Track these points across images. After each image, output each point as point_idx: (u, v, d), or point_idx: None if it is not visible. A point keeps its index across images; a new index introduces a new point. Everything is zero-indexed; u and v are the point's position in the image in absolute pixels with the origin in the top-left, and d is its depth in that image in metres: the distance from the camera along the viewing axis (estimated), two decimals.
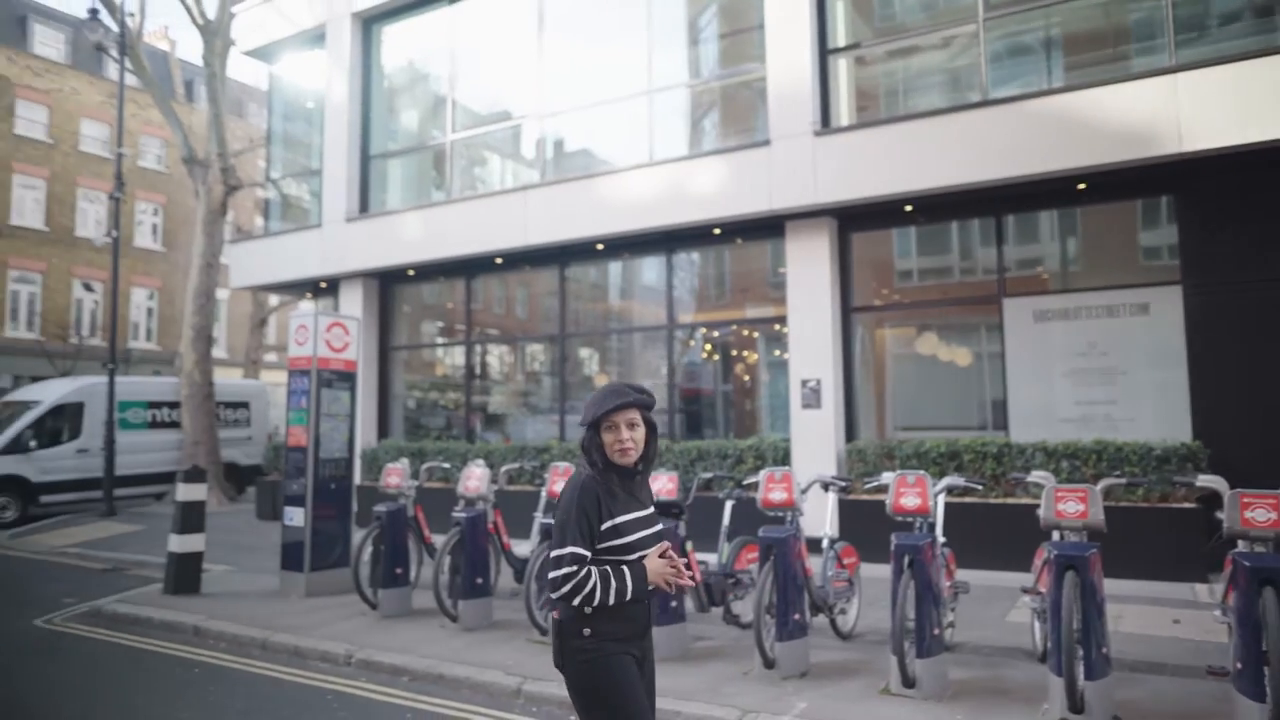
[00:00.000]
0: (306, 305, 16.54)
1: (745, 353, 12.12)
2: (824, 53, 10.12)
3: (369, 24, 14.19)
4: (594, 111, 12.09)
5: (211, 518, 9.02)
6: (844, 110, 10.28)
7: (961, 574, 6.53)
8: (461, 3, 13.29)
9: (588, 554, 2.66)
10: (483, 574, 6.93)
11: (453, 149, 13.36)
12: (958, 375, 10.17)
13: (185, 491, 8.49)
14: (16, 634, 7.32)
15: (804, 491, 6.06)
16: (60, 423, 15.92)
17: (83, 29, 17.67)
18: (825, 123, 9.94)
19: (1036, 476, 5.43)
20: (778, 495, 5.91)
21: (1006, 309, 9.43)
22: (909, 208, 9.77)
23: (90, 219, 28.80)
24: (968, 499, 8.26)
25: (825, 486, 6.43)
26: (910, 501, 5.37)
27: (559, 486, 6.92)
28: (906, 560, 5.06)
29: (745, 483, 6.98)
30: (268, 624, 7.10)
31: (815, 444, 9.87)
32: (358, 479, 12.47)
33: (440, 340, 14.54)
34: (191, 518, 8.42)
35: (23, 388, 19.55)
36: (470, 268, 13.06)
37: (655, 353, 12.26)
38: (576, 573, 2.62)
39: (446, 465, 9.29)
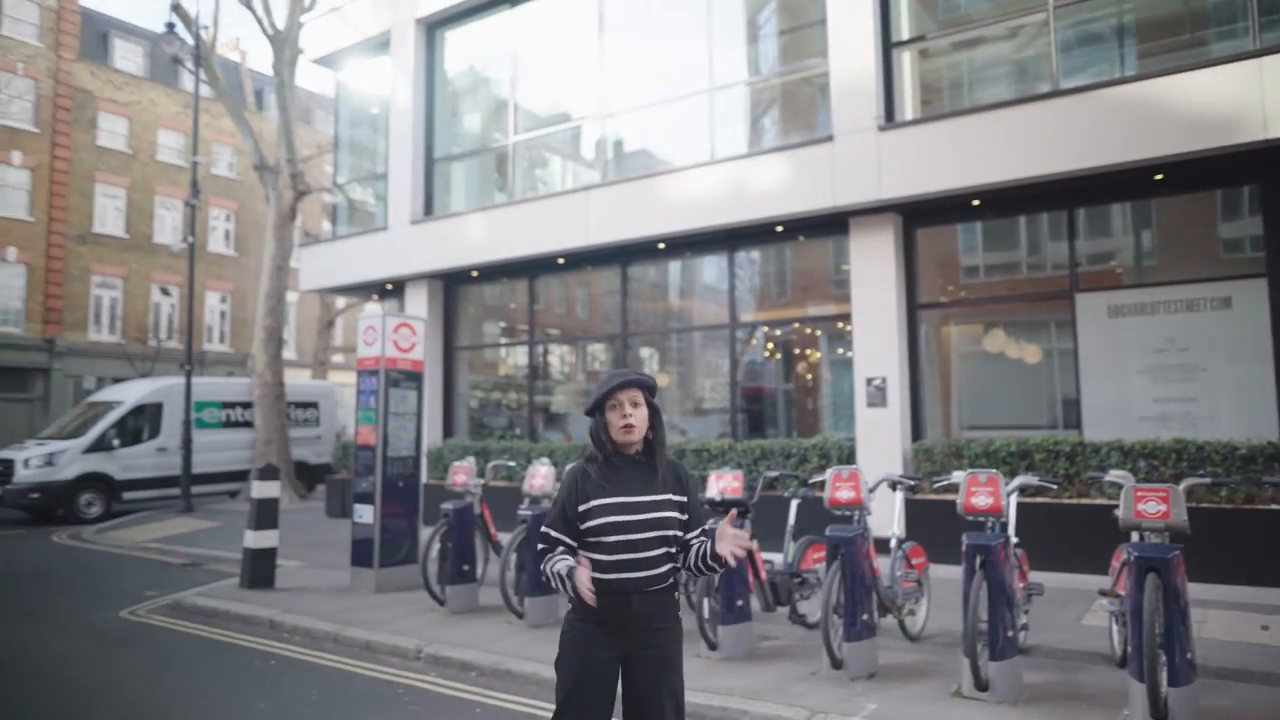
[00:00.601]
0: (372, 307, 16.89)
1: (807, 351, 12.01)
2: (887, 46, 9.97)
3: (432, 29, 14.44)
4: (654, 111, 12.11)
5: (283, 515, 9.28)
6: (908, 104, 10.11)
7: (1034, 576, 6.37)
8: (522, 6, 13.43)
9: (556, 535, 2.85)
10: None
11: (514, 151, 13.52)
12: (1026, 372, 9.93)
13: (260, 489, 8.74)
14: (104, 625, 7.63)
15: (871, 490, 5.98)
16: (141, 422, 16.54)
17: (160, 42, 18.33)
18: (889, 117, 9.79)
19: (1115, 476, 5.27)
20: (845, 494, 5.85)
21: (1079, 304, 9.17)
22: (976, 202, 9.57)
23: (167, 226, 29.87)
24: (1039, 499, 8.05)
25: (893, 486, 6.34)
26: (982, 501, 5.26)
27: None
28: (978, 560, 4.96)
29: (811, 481, 6.91)
30: (340, 618, 7.27)
31: (881, 443, 9.73)
32: (424, 478, 12.69)
33: (503, 340, 14.72)
34: (266, 514, 8.67)
35: (105, 388, 20.36)
36: (533, 268, 13.20)
37: (716, 351, 12.22)
38: (543, 551, 2.86)
39: (512, 464, 9.40)
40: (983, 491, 5.26)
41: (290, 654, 6.63)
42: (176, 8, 16.82)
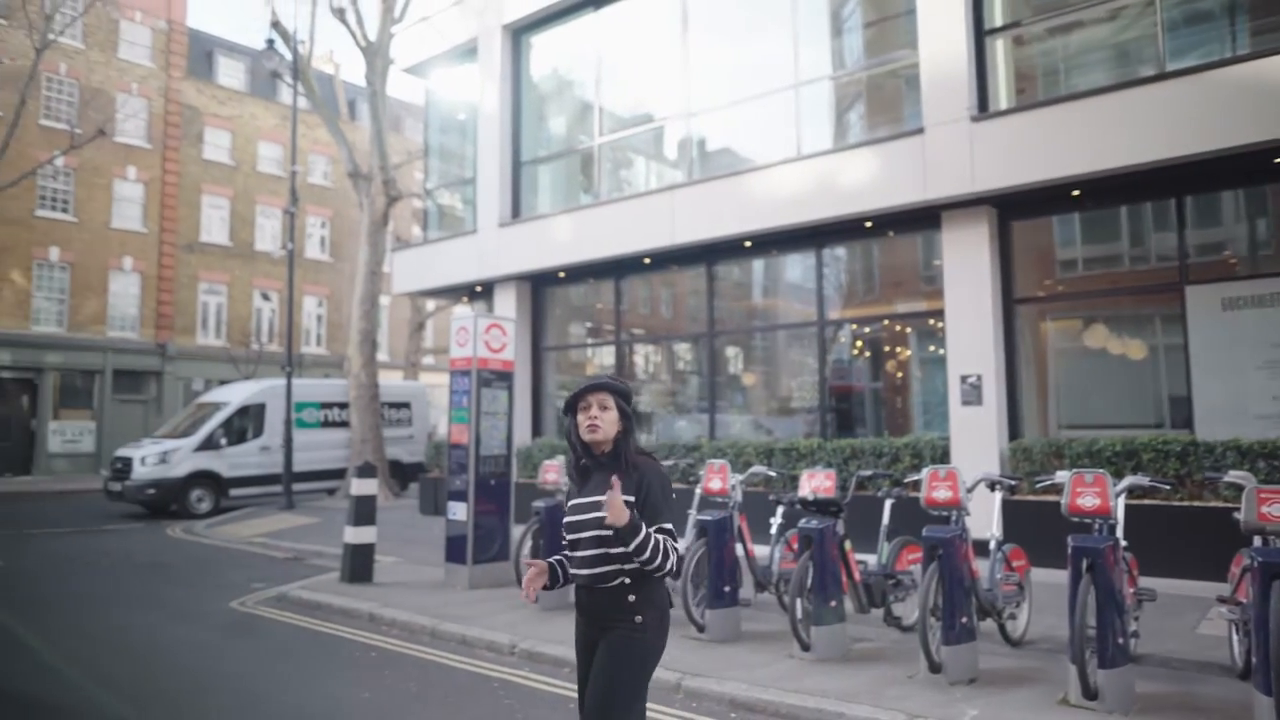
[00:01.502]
0: (461, 309, 17.27)
1: (897, 349, 11.77)
2: (980, 34, 9.70)
3: (518, 35, 14.68)
4: (738, 109, 12.05)
5: (379, 512, 9.56)
6: (1002, 93, 9.81)
7: (1143, 581, 6.10)
8: (606, 8, 13.53)
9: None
10: None
11: (599, 152, 13.63)
12: (1130, 369, 9.51)
13: (358, 486, 9.03)
14: (216, 614, 8.00)
15: (970, 490, 5.82)
16: (245, 422, 17.28)
17: (260, 58, 19.14)
18: (983, 107, 9.51)
19: (1235, 477, 5.01)
20: (942, 494, 5.71)
21: (1190, 297, 8.74)
22: (1076, 193, 9.22)
23: (267, 234, 31.17)
24: (1148, 501, 7.70)
25: (992, 486, 6.16)
26: (1088, 502, 5.06)
27: (715, 484, 6.95)
28: (1085, 563, 4.77)
29: (906, 481, 6.77)
30: (436, 613, 7.45)
31: (976, 442, 9.46)
32: (514, 476, 12.91)
33: (589, 340, 14.85)
34: (364, 511, 8.95)
35: (213, 390, 21.36)
36: (618, 268, 13.28)
37: (804, 350, 12.09)
38: None
39: None
40: (1089, 492, 5.06)
41: (389, 646, 6.83)
42: (276, 25, 17.54)
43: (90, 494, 20.03)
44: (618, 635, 2.88)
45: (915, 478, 6.59)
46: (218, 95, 30.33)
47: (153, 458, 16.05)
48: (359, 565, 8.92)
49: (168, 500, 15.89)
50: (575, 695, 5.44)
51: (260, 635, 7.25)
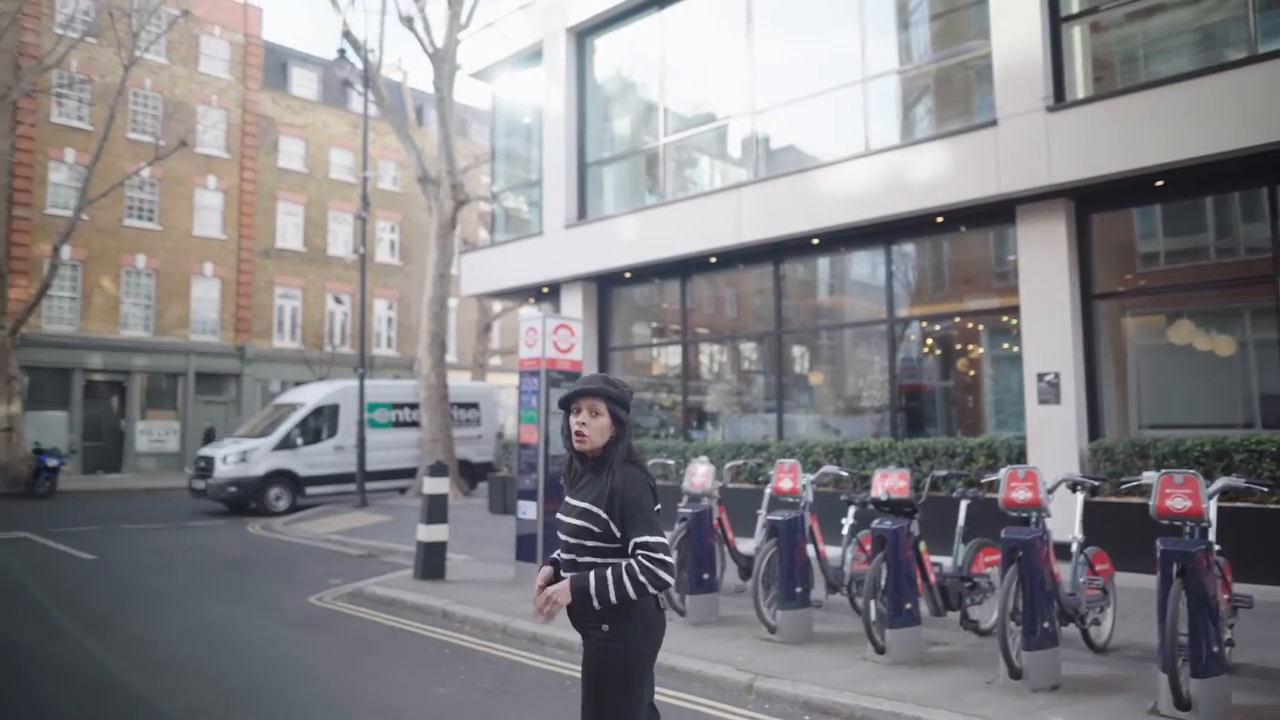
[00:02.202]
0: (527, 310, 17.45)
1: (968, 346, 11.52)
2: (1055, 21, 9.42)
3: (582, 37, 14.77)
4: (804, 105, 11.92)
5: (450, 510, 9.71)
6: (1079, 82, 9.52)
7: (1237, 587, 5.84)
8: (670, 8, 13.53)
9: None
10: (709, 569, 7.01)
11: (664, 152, 13.64)
12: (1218, 366, 9.14)
13: (430, 485, 9.20)
14: (295, 609, 8.24)
15: (1050, 491, 5.65)
16: (320, 422, 17.75)
17: (333, 68, 19.64)
18: (1059, 97, 9.24)
19: None
20: (1021, 495, 5.56)
21: None
22: (1159, 183, 8.88)
23: (339, 239, 32.00)
24: (1241, 503, 7.39)
25: (1073, 487, 5.97)
26: (1179, 504, 4.87)
27: (785, 483, 6.89)
28: (1176, 568, 4.59)
29: (983, 481, 6.62)
30: (508, 611, 7.54)
31: (1053, 442, 9.20)
32: None
33: (656, 340, 14.87)
34: (437, 509, 9.11)
35: (289, 391, 22.00)
36: (684, 268, 13.27)
37: (872, 348, 11.92)
38: None
39: (669, 462, 9.48)
40: (1179, 494, 4.87)
41: (462, 643, 6.94)
42: (347, 34, 17.98)
43: (175, 491, 20.83)
44: (590, 644, 2.83)
45: (992, 478, 6.43)
46: (292, 105, 31.24)
47: (233, 457, 16.59)
48: (432, 563, 9.08)
49: (247, 498, 16.40)
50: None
51: (339, 630, 7.44)
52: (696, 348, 14.22)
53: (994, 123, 9.39)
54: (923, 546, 6.11)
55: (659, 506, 2.89)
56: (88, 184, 22.50)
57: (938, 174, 9.85)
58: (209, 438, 23.16)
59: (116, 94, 22.50)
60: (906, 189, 10.07)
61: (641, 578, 2.69)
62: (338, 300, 31.68)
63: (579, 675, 5.90)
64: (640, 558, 2.71)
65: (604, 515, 2.78)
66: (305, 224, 31.23)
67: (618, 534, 2.77)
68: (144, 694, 5.57)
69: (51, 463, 20.18)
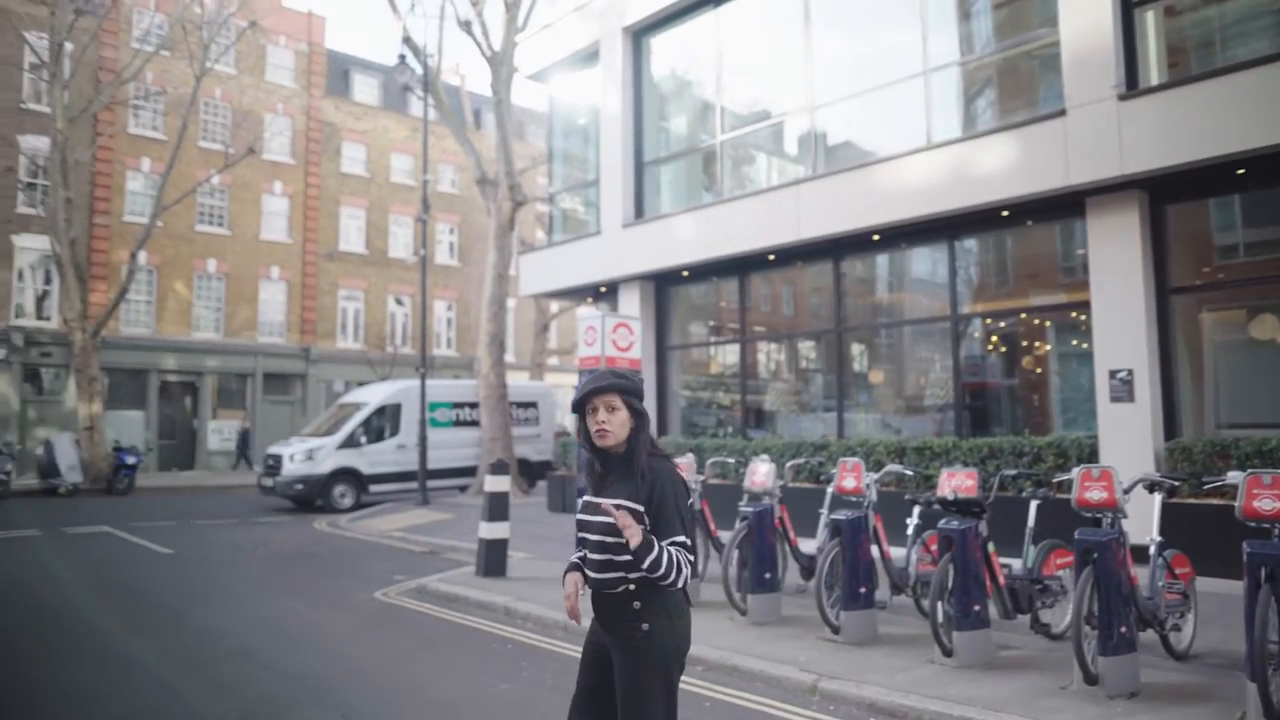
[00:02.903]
0: (584, 310, 17.54)
1: (1035, 343, 11.24)
2: (1127, 6, 9.13)
3: (638, 36, 14.79)
4: (863, 100, 11.76)
5: (510, 508, 9.80)
6: (1153, 68, 9.20)
7: None
8: (726, 6, 13.47)
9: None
10: (771, 569, 6.94)
11: (721, 149, 13.58)
12: None
13: (492, 483, 9.29)
14: (362, 604, 8.40)
15: (1127, 492, 5.47)
16: (383, 421, 18.08)
17: (393, 73, 19.99)
18: (1131, 84, 8.94)
19: None
20: (1096, 495, 5.38)
21: None
22: (1241, 171, 8.53)
23: (400, 241, 32.58)
24: None
25: (1151, 487, 5.77)
26: (1267, 505, 4.66)
27: (848, 482, 6.79)
28: (1265, 572, 4.40)
29: (1055, 481, 6.44)
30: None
31: (1127, 441, 8.91)
32: None
33: (714, 339, 14.81)
34: (498, 507, 9.20)
35: (352, 391, 22.45)
36: (742, 266, 13.19)
37: (934, 345, 11.70)
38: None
39: (730, 460, 9.43)
40: (1268, 495, 4.67)
41: (524, 639, 6.99)
42: (407, 40, 18.28)
43: (245, 488, 21.42)
44: (626, 644, 2.77)
45: (1063, 477, 6.26)
46: (354, 111, 31.90)
47: (300, 455, 16.99)
48: (493, 560, 9.17)
49: (313, 495, 16.78)
50: (710, 694, 5.46)
51: (403, 625, 7.55)
52: (754, 346, 14.12)
53: (1062, 112, 9.14)
54: (991, 547, 5.96)
55: (691, 500, 2.90)
56: (162, 192, 23.30)
57: (1003, 166, 9.62)
58: (244, 440, 23.45)
59: (188, 104, 23.26)
60: (970, 182, 9.86)
61: (684, 569, 2.71)
62: (398, 301, 32.27)
63: None
64: (677, 551, 2.71)
65: (639, 508, 2.75)
66: (367, 227, 31.87)
67: (650, 527, 2.75)
68: (221, 681, 5.73)
69: (130, 460, 20.94)
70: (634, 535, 2.64)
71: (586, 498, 2.91)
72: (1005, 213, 10.14)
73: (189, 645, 6.74)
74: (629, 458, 2.82)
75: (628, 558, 2.71)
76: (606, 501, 2.76)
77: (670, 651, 2.78)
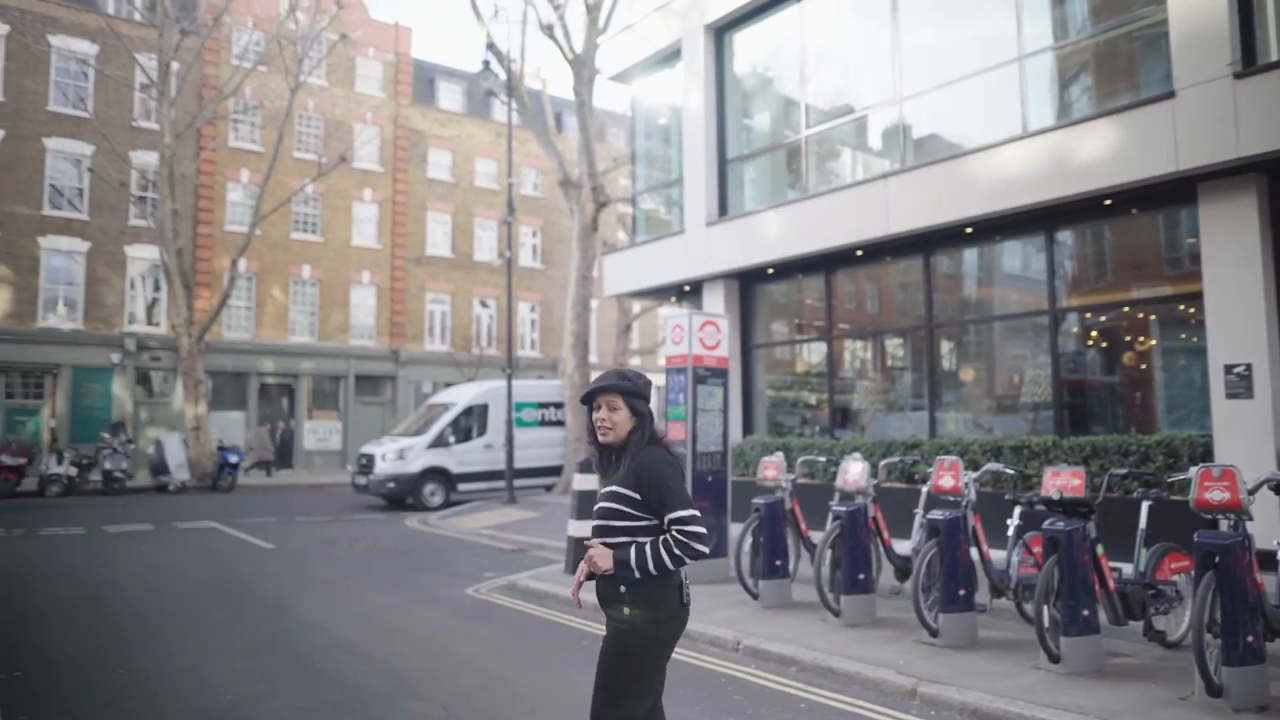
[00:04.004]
0: (666, 310, 17.54)
1: (1139, 338, 10.71)
2: None
3: (720, 33, 14.70)
4: (954, 90, 11.40)
5: None
6: (1272, 44, 8.66)
7: None
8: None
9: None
10: (864, 569, 6.80)
11: (806, 145, 13.39)
12: None
13: (580, 481, 9.35)
14: (455, 599, 8.56)
15: (1252, 492, 5.15)
16: (470, 421, 18.44)
17: (477, 79, 20.36)
18: (1248, 62, 8.44)
19: None
20: (1217, 496, 5.08)
21: None
22: None
23: (485, 245, 33.20)
24: None
25: (1278, 488, 5.43)
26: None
27: (946, 481, 6.60)
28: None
29: (1169, 480, 6.12)
30: None
31: (1244, 439, 8.40)
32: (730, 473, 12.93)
33: (800, 337, 14.60)
34: (586, 505, 9.24)
35: (440, 392, 22.97)
36: (828, 262, 12.97)
37: (1029, 341, 11.28)
38: None
39: (821, 459, 9.29)
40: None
41: None
42: (491, 46, 18.59)
43: (339, 487, 22.13)
44: (612, 624, 2.98)
45: (1178, 477, 5.96)
46: (439, 118, 32.64)
47: (392, 454, 17.45)
48: (581, 557, 9.20)
49: (405, 493, 17.22)
50: (804, 695, 5.38)
51: (495, 620, 7.67)
52: (840, 344, 13.86)
53: (1170, 94, 8.69)
54: (1100, 549, 5.70)
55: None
56: (260, 201, 24.29)
57: (1105, 153, 9.20)
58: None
59: (284, 117, 24.19)
60: (1070, 171, 9.47)
61: (677, 550, 2.88)
62: (483, 304, 32.87)
63: (733, 672, 5.89)
64: (675, 532, 2.89)
65: (633, 494, 2.96)
66: (453, 231, 32.57)
67: (644, 511, 2.96)
68: (325, 672, 5.90)
69: (233, 459, 21.88)
70: (603, 561, 2.93)
71: (596, 487, 3.20)
72: (1108, 201, 9.71)
73: (293, 637, 6.97)
74: (625, 450, 3.04)
75: (619, 538, 2.98)
76: (590, 552, 3.02)
77: (650, 638, 2.96)
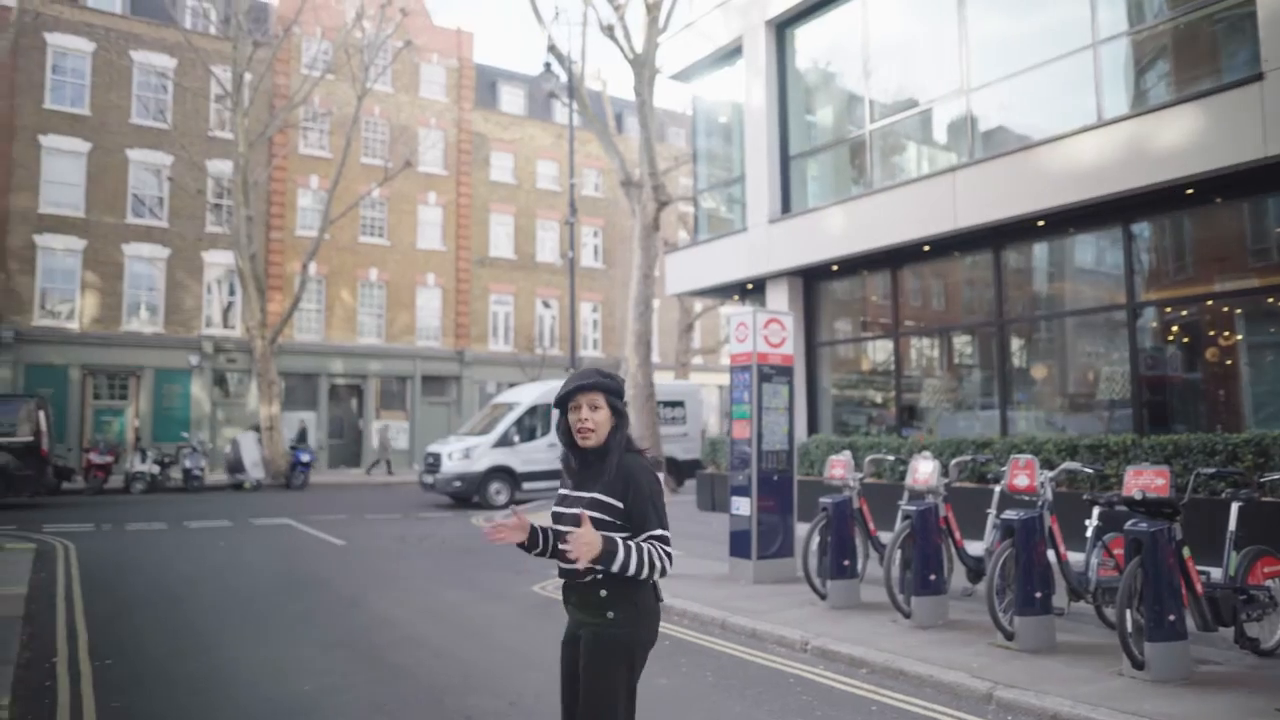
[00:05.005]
0: (727, 309, 17.46)
1: (1223, 333, 10.29)
2: None
3: (781, 29, 14.58)
4: (1023, 79, 11.11)
5: None
6: None
7: None
8: None
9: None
10: (936, 570, 6.66)
11: (870, 139, 13.19)
12: None
13: None
14: (521, 596, 8.64)
15: None
16: (534, 421, 18.60)
17: (538, 82, 20.55)
18: None
19: None
20: None
21: None
22: None
23: (546, 246, 33.49)
24: None
25: None
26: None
27: (1021, 480, 6.44)
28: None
29: (1262, 481, 5.86)
30: (724, 606, 7.53)
31: None
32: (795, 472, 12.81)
33: (866, 334, 14.39)
34: None
35: (504, 392, 23.24)
36: (894, 258, 12.76)
37: (1104, 337, 10.93)
38: None
39: (890, 457, 9.14)
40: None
41: (681, 636, 7.00)
42: (552, 48, 18.73)
43: (407, 485, 22.54)
44: (592, 631, 2.84)
45: (1270, 477, 5.70)
46: (501, 121, 33.03)
47: (458, 453, 17.71)
48: None
49: (470, 492, 17.46)
50: (875, 697, 5.29)
51: (561, 618, 7.66)
52: (906, 342, 13.62)
53: (1259, 77, 8.33)
54: (1186, 552, 5.49)
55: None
56: (329, 206, 24.90)
57: (1187, 140, 8.86)
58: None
59: (351, 123, 24.74)
60: (1148, 160, 9.14)
61: (658, 563, 2.77)
62: (546, 305, 33.17)
63: (801, 673, 5.82)
64: (657, 546, 2.78)
65: (616, 503, 2.81)
66: (515, 233, 32.93)
67: (624, 521, 2.80)
68: (398, 666, 6.02)
69: (305, 458, 22.45)
70: (589, 551, 2.67)
71: (562, 491, 2.97)
72: (1189, 191, 9.35)
73: (365, 631, 7.12)
74: (604, 455, 2.87)
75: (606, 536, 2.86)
76: (582, 511, 2.79)
77: (633, 641, 2.86)
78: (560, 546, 2.76)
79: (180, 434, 24.58)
